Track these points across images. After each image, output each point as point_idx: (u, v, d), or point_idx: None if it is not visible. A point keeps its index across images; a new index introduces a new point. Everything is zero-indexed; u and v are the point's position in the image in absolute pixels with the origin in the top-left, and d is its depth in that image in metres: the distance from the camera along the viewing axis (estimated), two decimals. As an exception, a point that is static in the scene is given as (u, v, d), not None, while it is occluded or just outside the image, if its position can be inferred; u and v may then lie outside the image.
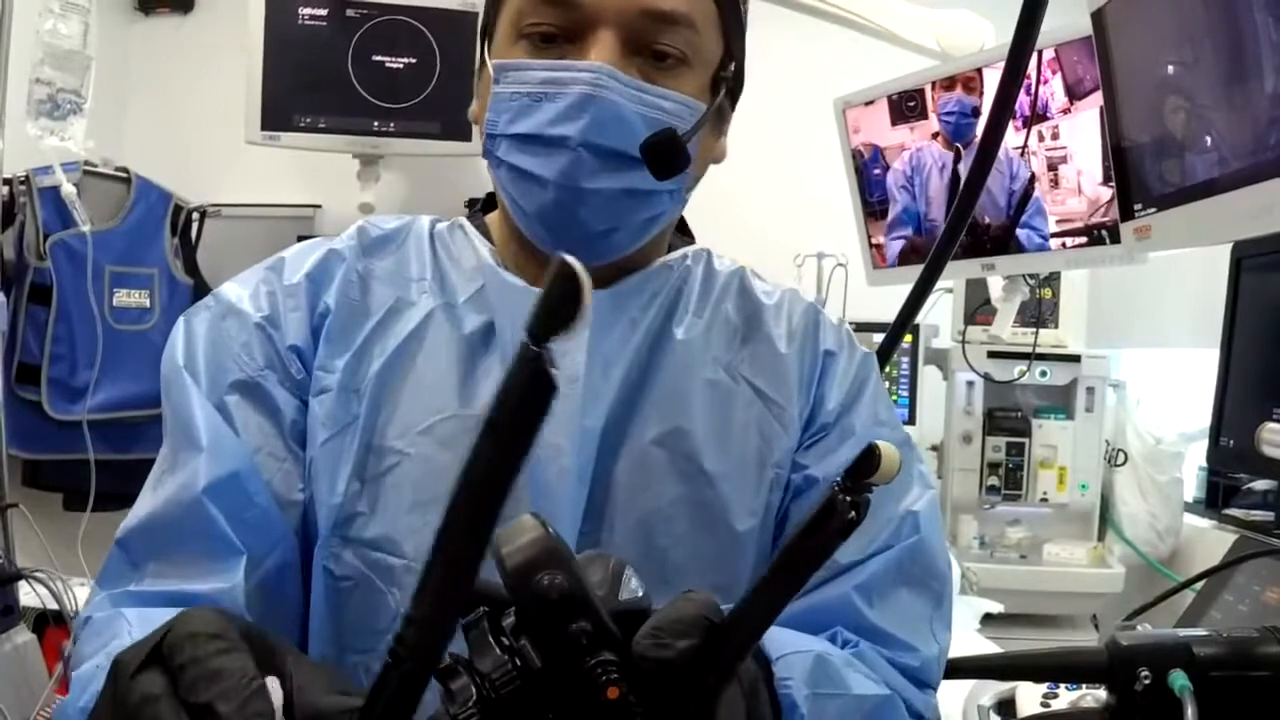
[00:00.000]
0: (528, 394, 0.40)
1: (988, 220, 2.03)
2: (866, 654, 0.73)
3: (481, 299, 0.80)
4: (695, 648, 0.44)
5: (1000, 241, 2.02)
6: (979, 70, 2.04)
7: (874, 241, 2.40)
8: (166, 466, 0.73)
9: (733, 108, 0.84)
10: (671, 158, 0.74)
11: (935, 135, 2.21)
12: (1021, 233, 1.98)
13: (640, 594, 0.50)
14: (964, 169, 2.14)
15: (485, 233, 0.85)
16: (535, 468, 0.73)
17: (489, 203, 0.89)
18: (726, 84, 0.80)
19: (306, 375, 0.77)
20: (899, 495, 0.80)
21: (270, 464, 0.74)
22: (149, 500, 0.73)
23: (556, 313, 0.40)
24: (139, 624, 0.62)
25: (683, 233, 0.92)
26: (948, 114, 2.14)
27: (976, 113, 2.08)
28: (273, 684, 0.48)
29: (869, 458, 0.41)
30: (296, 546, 0.75)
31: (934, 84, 2.14)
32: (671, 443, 0.78)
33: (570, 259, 0.40)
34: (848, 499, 0.41)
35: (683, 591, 0.49)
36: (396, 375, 0.77)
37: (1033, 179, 1.93)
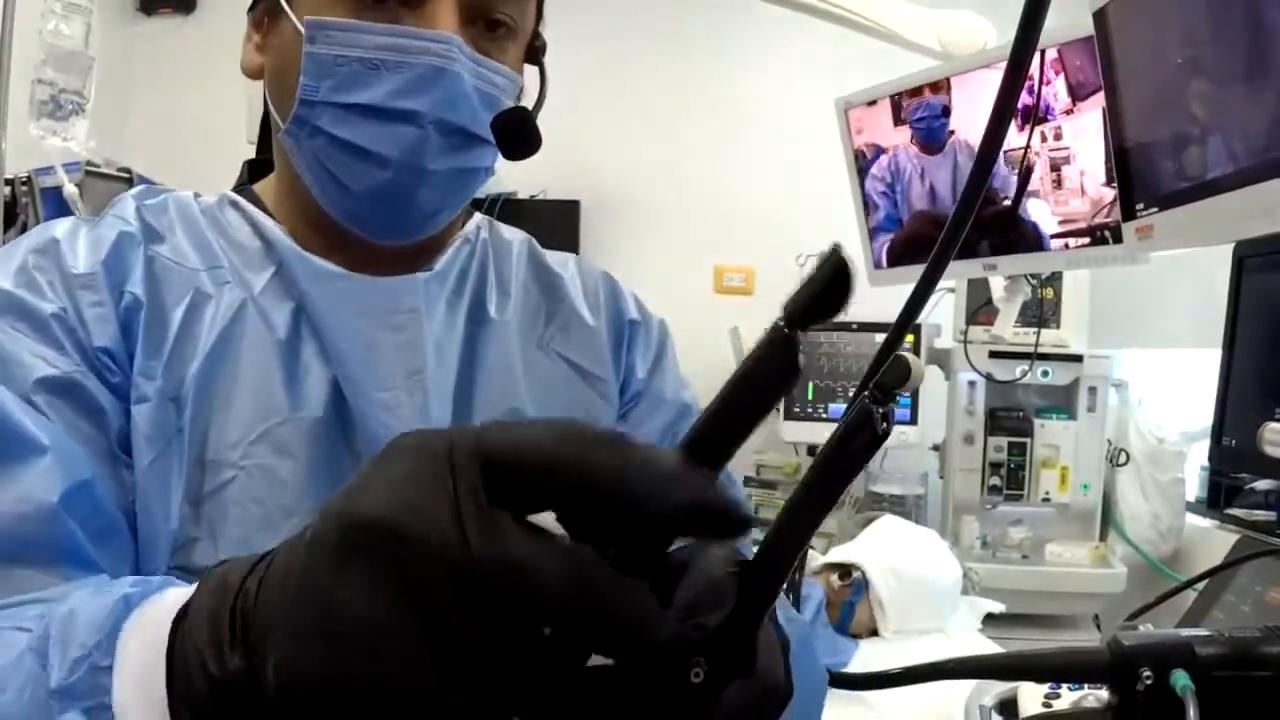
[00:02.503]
0: (776, 373, 0.40)
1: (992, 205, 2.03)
2: None
3: (280, 286, 0.72)
4: (728, 616, 0.41)
5: (1001, 224, 2.02)
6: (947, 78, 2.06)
7: (894, 248, 2.41)
8: None
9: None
10: (525, 137, 0.71)
11: (911, 139, 2.22)
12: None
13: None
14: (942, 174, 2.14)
15: (262, 208, 0.76)
16: None
17: (255, 172, 0.81)
18: (540, 51, 0.78)
19: (124, 379, 0.66)
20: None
21: (103, 472, 0.63)
22: None
23: (825, 302, 0.39)
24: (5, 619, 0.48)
25: None
26: (919, 119, 2.16)
27: (947, 112, 2.09)
28: None
29: (898, 368, 0.42)
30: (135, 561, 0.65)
31: (900, 95, 2.16)
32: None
33: (842, 248, 0.38)
34: (880, 411, 0.40)
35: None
36: (217, 380, 0.68)
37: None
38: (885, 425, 0.40)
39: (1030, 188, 1.96)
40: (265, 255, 0.73)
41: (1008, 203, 1.99)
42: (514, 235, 0.86)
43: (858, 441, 0.41)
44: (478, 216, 0.85)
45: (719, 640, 0.41)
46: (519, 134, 0.70)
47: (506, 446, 0.35)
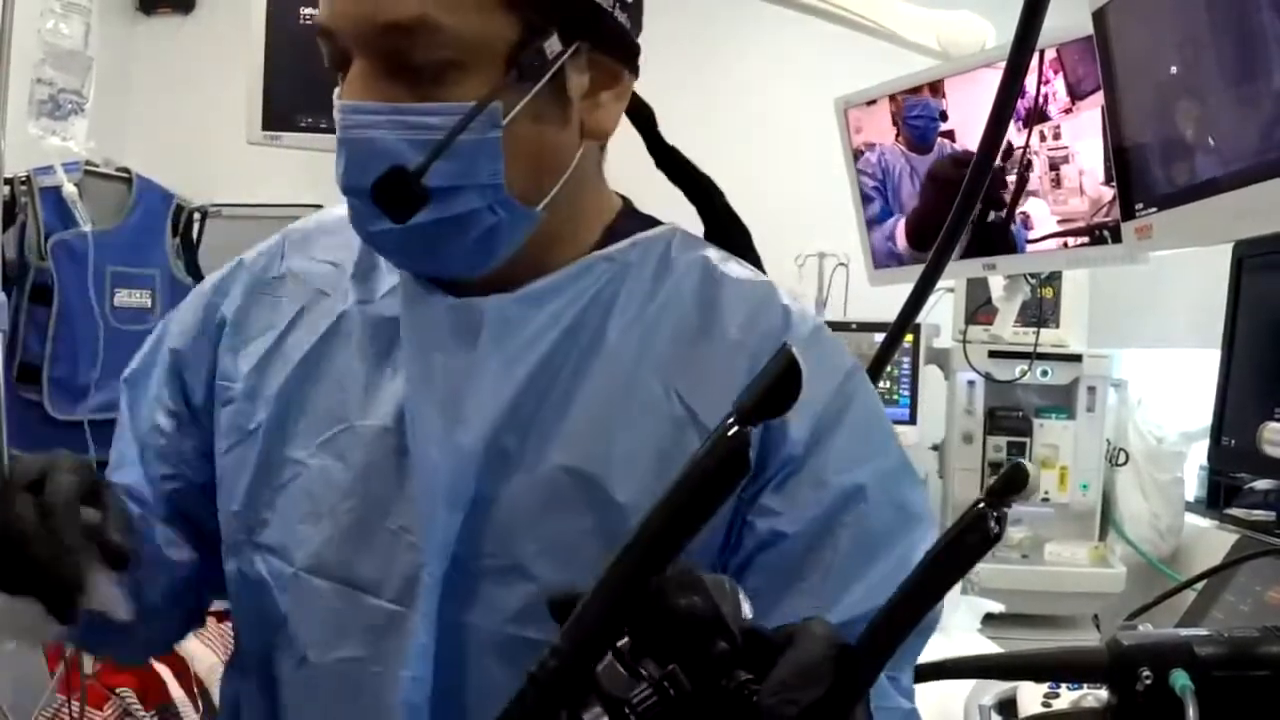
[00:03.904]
0: (719, 472, 0.42)
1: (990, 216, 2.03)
2: None
3: (397, 293, 0.76)
4: (819, 699, 0.44)
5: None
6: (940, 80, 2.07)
7: (898, 240, 2.40)
8: None
9: (619, 58, 0.74)
10: (399, 197, 0.66)
11: (897, 136, 2.22)
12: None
13: (751, 614, 0.49)
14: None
15: None
16: (420, 484, 0.71)
17: None
18: (537, 61, 0.68)
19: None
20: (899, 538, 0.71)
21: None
22: None
23: (774, 399, 0.41)
24: None
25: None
26: (915, 118, 2.16)
27: (945, 117, 2.10)
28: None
29: (1017, 476, 0.42)
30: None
31: (893, 96, 2.17)
32: (588, 468, 0.70)
33: (793, 348, 0.41)
34: (993, 515, 0.42)
35: (804, 619, 0.47)
36: (303, 384, 0.76)
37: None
38: (998, 529, 0.42)
39: (1029, 187, 1.96)
40: (392, 268, 0.77)
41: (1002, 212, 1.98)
42: (695, 251, 0.78)
43: (969, 542, 0.43)
44: (658, 230, 0.78)
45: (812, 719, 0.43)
46: (389, 195, 0.67)
47: None
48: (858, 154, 2.36)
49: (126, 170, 2.65)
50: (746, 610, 0.48)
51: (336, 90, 0.70)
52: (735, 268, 0.78)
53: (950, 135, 2.13)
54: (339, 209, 0.79)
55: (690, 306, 0.75)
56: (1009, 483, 0.42)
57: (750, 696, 0.44)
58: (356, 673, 0.72)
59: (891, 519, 0.71)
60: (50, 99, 2.16)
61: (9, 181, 2.31)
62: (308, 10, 2.65)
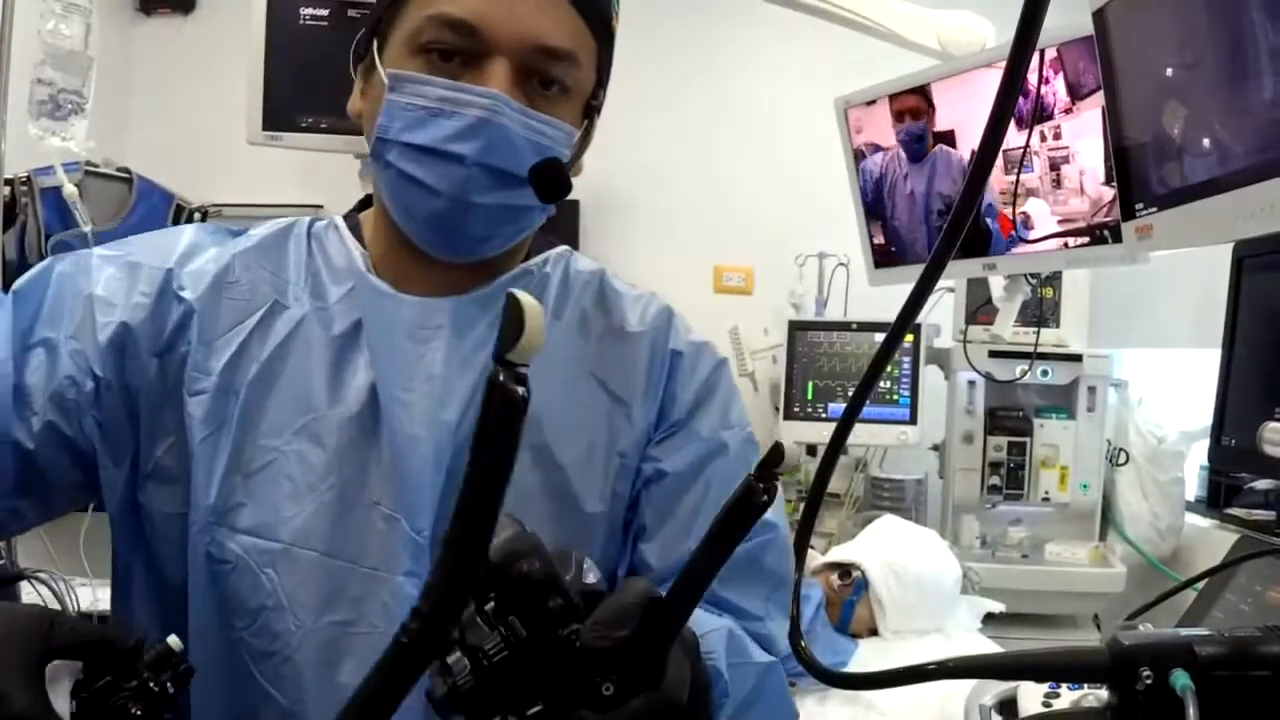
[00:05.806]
0: (497, 416, 0.49)
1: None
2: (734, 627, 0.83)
3: (353, 298, 0.86)
4: (629, 637, 0.53)
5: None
6: (922, 90, 2.06)
7: (875, 241, 2.41)
8: None
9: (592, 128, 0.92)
10: (557, 183, 0.82)
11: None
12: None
13: (596, 580, 0.60)
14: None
15: (358, 232, 0.91)
16: (400, 457, 0.82)
17: (365, 201, 0.95)
18: (596, 110, 0.88)
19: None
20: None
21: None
22: None
23: (505, 336, 0.48)
24: None
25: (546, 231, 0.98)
26: (905, 140, 2.19)
27: (921, 139, 2.14)
28: None
29: (776, 453, 0.51)
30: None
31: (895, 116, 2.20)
32: (528, 436, 0.82)
33: (518, 294, 0.48)
34: (762, 486, 0.50)
35: (626, 577, 0.59)
36: (271, 379, 0.84)
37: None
38: (767, 498, 0.50)
39: (1029, 186, 1.96)
40: (348, 272, 0.88)
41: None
42: (589, 267, 0.96)
43: (745, 510, 0.51)
44: (558, 250, 0.95)
45: (627, 659, 0.53)
46: (548, 180, 0.81)
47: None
48: (860, 155, 2.36)
49: (127, 170, 2.65)
50: (591, 578, 0.59)
51: (414, 68, 0.81)
52: (618, 280, 0.97)
53: (949, 139, 2.13)
54: (259, 230, 0.91)
55: (593, 309, 0.92)
56: (770, 460, 0.51)
57: (576, 643, 0.54)
58: (345, 635, 0.81)
59: (743, 472, 0.83)
60: (50, 99, 2.16)
61: (9, 182, 2.31)
62: (307, 10, 2.65)
